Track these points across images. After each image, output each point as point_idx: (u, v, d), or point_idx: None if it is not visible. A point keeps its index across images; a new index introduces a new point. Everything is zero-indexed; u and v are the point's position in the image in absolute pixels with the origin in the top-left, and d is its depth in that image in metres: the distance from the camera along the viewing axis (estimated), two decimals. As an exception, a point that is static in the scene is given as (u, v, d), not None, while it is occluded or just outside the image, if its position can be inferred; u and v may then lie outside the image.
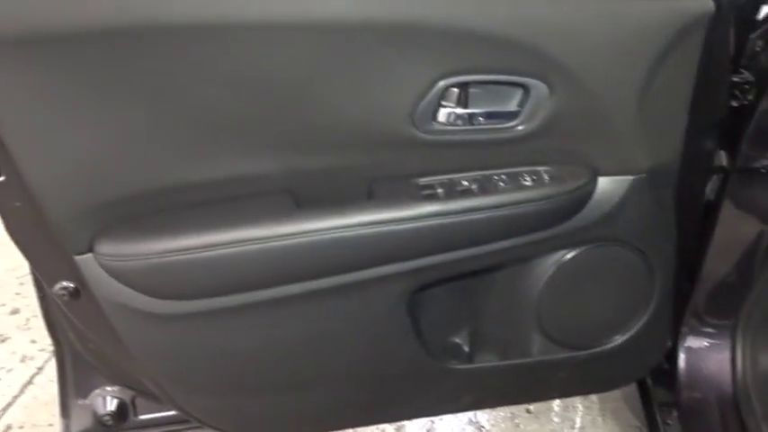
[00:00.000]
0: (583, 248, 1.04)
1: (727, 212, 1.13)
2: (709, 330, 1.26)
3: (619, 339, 1.15)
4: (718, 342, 1.27)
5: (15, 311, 2.12)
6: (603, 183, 0.98)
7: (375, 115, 0.87)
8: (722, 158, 1.10)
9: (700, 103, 0.94)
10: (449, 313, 1.19)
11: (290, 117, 0.86)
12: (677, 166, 0.99)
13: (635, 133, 0.93)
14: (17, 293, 2.20)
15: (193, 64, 0.79)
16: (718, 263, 1.20)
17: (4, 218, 0.86)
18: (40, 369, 1.87)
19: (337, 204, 0.90)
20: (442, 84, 0.85)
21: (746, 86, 1.01)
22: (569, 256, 1.04)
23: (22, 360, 1.91)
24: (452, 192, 0.93)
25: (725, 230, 1.15)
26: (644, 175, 0.98)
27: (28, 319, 2.07)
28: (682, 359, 1.27)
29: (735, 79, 1.01)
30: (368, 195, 0.95)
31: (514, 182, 0.94)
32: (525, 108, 0.90)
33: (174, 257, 0.85)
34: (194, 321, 0.94)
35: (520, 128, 0.91)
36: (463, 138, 0.92)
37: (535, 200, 0.93)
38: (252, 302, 0.93)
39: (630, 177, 0.98)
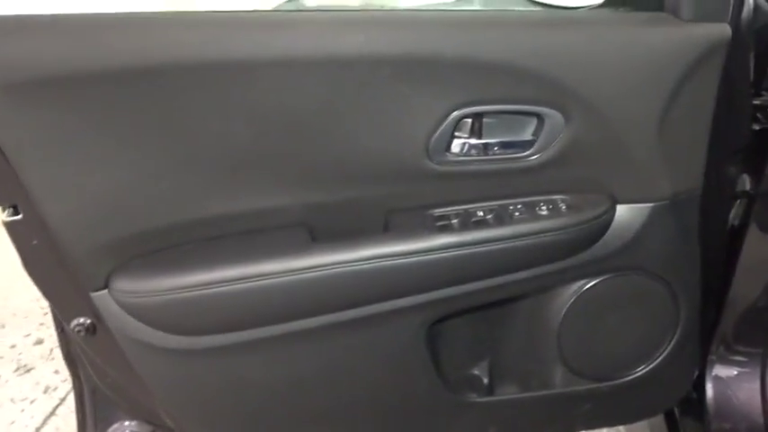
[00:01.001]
0: (603, 278, 1.01)
1: (753, 237, 1.10)
2: (739, 358, 1.23)
3: (643, 370, 1.12)
4: (747, 370, 1.23)
5: (39, 342, 2.15)
6: (623, 211, 0.96)
7: (389, 148, 0.87)
8: (746, 183, 1.08)
9: (721, 127, 0.92)
10: (467, 345, 1.17)
11: (306, 151, 0.86)
12: (700, 192, 0.97)
13: (655, 161, 0.92)
14: (41, 324, 2.23)
15: (210, 100, 0.79)
16: (745, 289, 1.17)
17: (21, 255, 0.87)
18: (63, 400, 1.88)
19: (353, 237, 0.90)
20: (455, 114, 0.85)
21: None
22: (589, 285, 1.02)
23: (45, 391, 1.93)
24: (467, 223, 0.91)
25: (751, 256, 1.12)
26: (665, 202, 0.96)
27: (51, 350, 2.09)
28: (710, 388, 1.23)
29: (756, 102, 0.99)
30: (383, 227, 0.94)
31: (531, 212, 0.93)
32: (540, 137, 0.89)
33: (190, 293, 0.85)
34: (211, 357, 0.93)
35: (535, 157, 0.90)
36: (478, 168, 0.91)
37: (552, 230, 0.91)
38: (268, 337, 0.92)
39: (651, 205, 0.96)
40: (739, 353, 1.23)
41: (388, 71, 0.81)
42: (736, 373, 1.23)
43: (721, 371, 1.23)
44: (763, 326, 1.21)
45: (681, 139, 0.91)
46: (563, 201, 0.94)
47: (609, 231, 0.96)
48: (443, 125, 0.85)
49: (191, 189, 0.86)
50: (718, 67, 0.86)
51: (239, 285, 0.86)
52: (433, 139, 0.86)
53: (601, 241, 0.97)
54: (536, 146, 0.90)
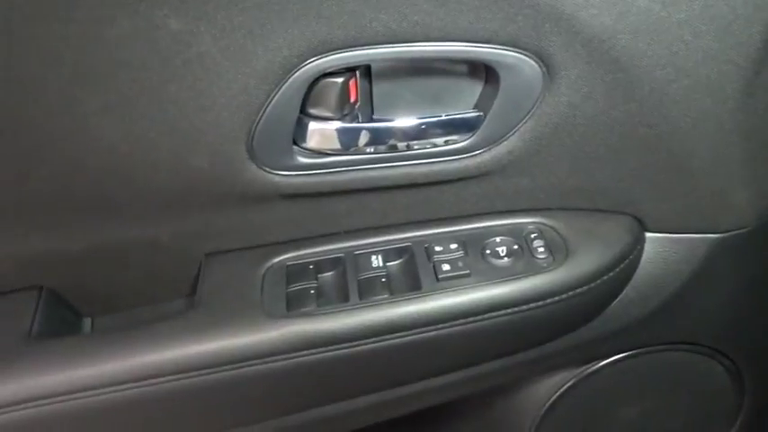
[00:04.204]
0: (616, 358, 0.57)
1: None
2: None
3: None
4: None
5: None
6: (658, 246, 0.50)
7: (172, 147, 0.40)
8: None
9: None
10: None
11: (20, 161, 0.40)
12: None
13: (729, 156, 0.45)
14: None
15: None
16: None
17: None
18: None
19: (131, 329, 0.44)
20: (306, 69, 0.38)
21: None
22: (589, 371, 0.57)
23: None
24: (346, 287, 0.46)
25: None
26: (741, 231, 0.50)
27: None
28: None
29: None
30: (193, 288, 0.49)
31: (475, 260, 0.47)
32: (491, 111, 0.42)
33: None
34: None
35: (482, 151, 0.44)
36: (363, 177, 0.44)
37: (519, 301, 0.45)
38: None
39: (715, 236, 0.50)
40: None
41: None
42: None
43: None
44: None
45: None
46: (539, 231, 0.48)
47: (632, 283, 0.51)
48: (279, 93, 0.39)
49: None
50: None
51: None
52: (260, 123, 0.40)
53: (616, 303, 0.51)
54: (485, 127, 0.43)
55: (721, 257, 0.51)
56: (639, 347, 0.56)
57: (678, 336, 0.56)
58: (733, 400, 0.64)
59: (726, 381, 0.62)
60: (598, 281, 0.47)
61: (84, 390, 0.42)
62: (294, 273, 0.47)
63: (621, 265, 0.48)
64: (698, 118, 0.43)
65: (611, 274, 0.47)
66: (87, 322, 0.51)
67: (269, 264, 0.47)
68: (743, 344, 0.60)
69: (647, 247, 0.50)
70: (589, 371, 0.57)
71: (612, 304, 0.51)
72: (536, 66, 0.40)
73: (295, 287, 0.46)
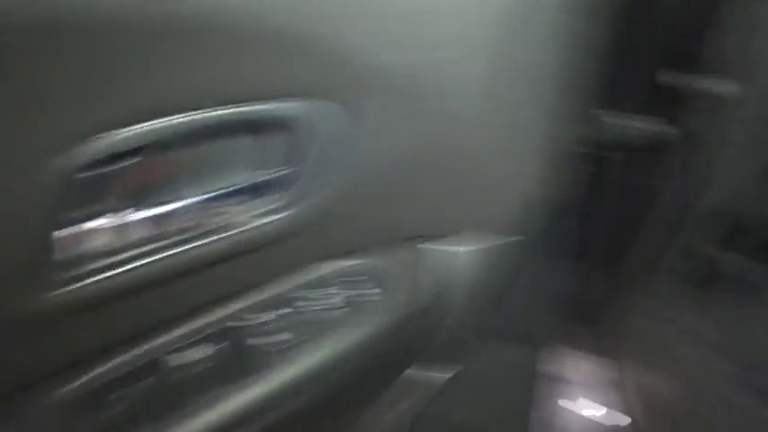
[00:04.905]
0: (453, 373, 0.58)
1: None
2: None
3: None
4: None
5: None
6: (469, 258, 0.52)
7: None
8: None
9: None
10: None
11: None
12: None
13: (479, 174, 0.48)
14: None
15: None
16: None
17: None
18: None
19: None
20: (88, 149, 0.33)
21: None
22: (436, 390, 0.58)
23: None
24: (159, 401, 0.39)
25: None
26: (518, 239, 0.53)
27: None
28: None
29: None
30: None
31: (301, 323, 0.44)
32: (302, 166, 0.41)
33: None
34: None
35: (293, 210, 0.41)
36: (162, 265, 0.38)
37: (356, 354, 0.43)
38: None
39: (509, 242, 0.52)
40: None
41: None
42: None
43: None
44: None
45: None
46: (365, 275, 0.47)
47: (453, 300, 0.52)
48: (39, 192, 0.32)
49: None
50: None
51: None
52: (22, 229, 0.33)
53: (446, 322, 0.52)
54: (298, 183, 0.41)
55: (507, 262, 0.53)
56: (468, 354, 0.58)
57: (493, 332, 0.59)
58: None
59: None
60: (424, 308, 0.47)
61: None
62: (95, 397, 0.38)
63: (441, 288, 0.48)
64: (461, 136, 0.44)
65: (434, 299, 0.47)
66: None
67: (58, 394, 0.38)
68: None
69: (461, 263, 0.51)
70: (435, 390, 0.57)
71: (442, 324, 0.52)
72: (340, 114, 0.39)
73: (100, 413, 0.38)
